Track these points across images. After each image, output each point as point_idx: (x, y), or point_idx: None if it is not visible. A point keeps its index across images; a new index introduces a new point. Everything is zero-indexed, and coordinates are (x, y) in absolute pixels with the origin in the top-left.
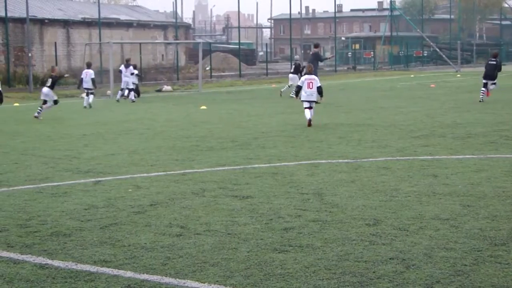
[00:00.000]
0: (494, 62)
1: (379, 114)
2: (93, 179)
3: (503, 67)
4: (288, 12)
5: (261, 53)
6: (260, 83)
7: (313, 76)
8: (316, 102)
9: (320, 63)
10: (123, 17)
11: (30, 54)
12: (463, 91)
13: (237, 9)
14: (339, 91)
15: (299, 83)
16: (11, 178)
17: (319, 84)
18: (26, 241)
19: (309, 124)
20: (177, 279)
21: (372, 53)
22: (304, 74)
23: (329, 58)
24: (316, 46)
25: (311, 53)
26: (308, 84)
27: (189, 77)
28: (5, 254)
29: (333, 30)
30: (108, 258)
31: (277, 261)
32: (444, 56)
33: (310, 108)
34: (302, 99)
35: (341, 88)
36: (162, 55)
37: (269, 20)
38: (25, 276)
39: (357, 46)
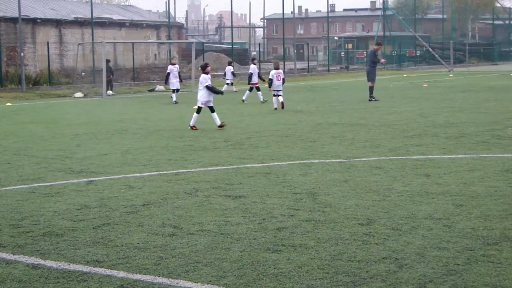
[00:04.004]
0: None
1: (372, 114)
2: (85, 179)
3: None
4: (281, 11)
5: (254, 53)
6: None
7: (280, 71)
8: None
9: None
10: (115, 17)
11: (22, 54)
12: (456, 90)
13: (230, 9)
14: (332, 91)
15: (270, 77)
16: (3, 178)
17: (283, 77)
18: (19, 241)
19: (282, 107)
20: (170, 279)
21: (365, 52)
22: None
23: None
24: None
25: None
26: (277, 77)
27: (182, 76)
28: None
29: (326, 29)
30: (100, 258)
31: (270, 261)
32: (437, 55)
33: (278, 95)
34: (272, 88)
35: (334, 88)
36: (155, 55)
37: (262, 20)
38: (18, 276)
39: (350, 45)
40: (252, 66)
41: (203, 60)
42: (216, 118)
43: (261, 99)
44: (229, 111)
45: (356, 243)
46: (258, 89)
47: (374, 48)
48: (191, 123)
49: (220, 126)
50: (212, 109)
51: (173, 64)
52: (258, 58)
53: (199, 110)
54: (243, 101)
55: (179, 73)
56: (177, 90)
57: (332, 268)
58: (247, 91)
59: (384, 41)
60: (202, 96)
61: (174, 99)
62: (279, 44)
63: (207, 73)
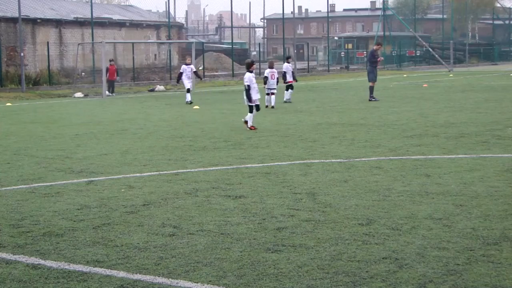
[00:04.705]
0: None
1: (372, 114)
2: (85, 179)
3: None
4: (281, 11)
5: (254, 53)
6: None
7: (274, 70)
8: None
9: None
10: (115, 17)
11: (22, 54)
12: (455, 90)
13: (230, 9)
14: (332, 91)
15: (265, 75)
16: (3, 178)
17: (277, 76)
18: (19, 241)
19: (271, 107)
20: (170, 279)
21: (365, 52)
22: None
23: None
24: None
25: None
26: (271, 76)
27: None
28: None
29: (326, 29)
30: (100, 258)
31: (270, 261)
32: (437, 55)
33: (272, 94)
34: (266, 86)
35: (334, 88)
36: (155, 55)
37: (262, 20)
38: (18, 276)
39: (350, 45)
40: (285, 64)
41: (203, 61)
42: (250, 117)
43: (286, 98)
44: (229, 111)
45: (356, 243)
46: (291, 87)
47: (373, 48)
48: (249, 124)
49: (246, 123)
50: (251, 109)
51: (187, 64)
52: (258, 58)
53: (252, 108)
54: (285, 101)
55: (195, 72)
56: (188, 90)
57: (332, 268)
58: (286, 91)
59: (384, 41)
60: (252, 95)
61: (189, 99)
62: (279, 44)
63: (251, 72)
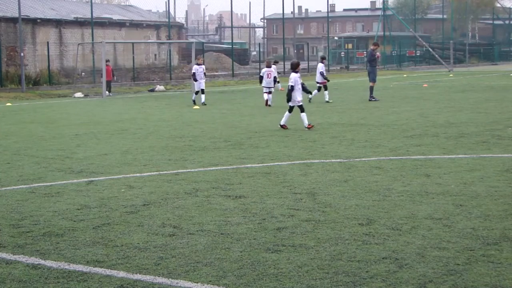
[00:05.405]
0: None
1: (372, 114)
2: (85, 179)
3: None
4: (281, 12)
5: (254, 53)
6: (253, 83)
7: (271, 69)
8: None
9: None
10: (115, 17)
11: (22, 54)
12: (455, 90)
13: (230, 9)
14: (332, 91)
15: (261, 74)
16: (3, 178)
17: (275, 75)
18: (19, 241)
19: (267, 105)
20: (170, 279)
21: (365, 53)
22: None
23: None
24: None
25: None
26: (267, 75)
27: (182, 76)
28: None
29: (326, 29)
30: (100, 258)
31: (270, 261)
32: (437, 55)
33: (269, 93)
34: (263, 85)
35: (334, 88)
36: (155, 55)
37: (262, 20)
38: (18, 276)
39: (350, 45)
40: (320, 64)
41: (203, 61)
42: (304, 117)
43: (326, 99)
44: (229, 111)
45: (356, 243)
46: (325, 88)
47: (371, 48)
48: (305, 123)
49: (282, 127)
50: (290, 110)
51: (199, 64)
52: (258, 58)
53: (292, 109)
54: (327, 101)
55: (204, 73)
56: (202, 90)
57: (332, 268)
58: (325, 91)
59: (384, 41)
60: (295, 95)
61: (193, 98)
62: (279, 44)
63: (297, 72)
